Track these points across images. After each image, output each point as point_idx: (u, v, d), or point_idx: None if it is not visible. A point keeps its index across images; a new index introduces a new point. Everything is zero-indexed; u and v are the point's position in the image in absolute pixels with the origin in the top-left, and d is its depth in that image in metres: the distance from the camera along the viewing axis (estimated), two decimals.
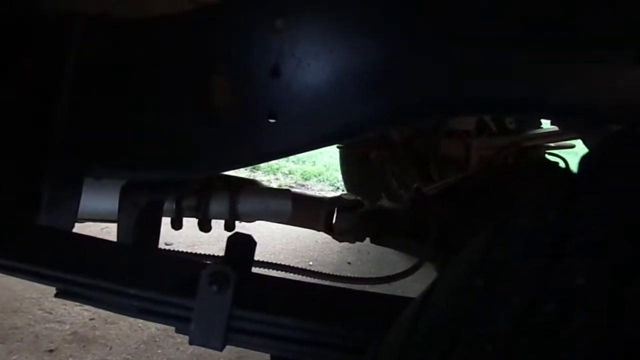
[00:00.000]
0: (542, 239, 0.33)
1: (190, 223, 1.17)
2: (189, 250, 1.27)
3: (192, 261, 0.75)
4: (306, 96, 0.83)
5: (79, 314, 1.95)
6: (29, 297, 2.00)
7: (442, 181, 1.64)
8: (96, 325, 1.90)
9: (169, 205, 1.10)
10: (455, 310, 0.36)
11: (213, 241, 2.43)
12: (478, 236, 0.40)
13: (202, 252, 1.29)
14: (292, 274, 1.25)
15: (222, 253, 1.02)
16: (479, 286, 0.35)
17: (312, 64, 0.80)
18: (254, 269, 0.77)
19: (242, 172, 4.36)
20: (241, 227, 1.05)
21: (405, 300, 0.61)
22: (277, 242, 2.81)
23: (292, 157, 5.26)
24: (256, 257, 0.87)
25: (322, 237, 2.88)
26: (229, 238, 0.65)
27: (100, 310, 1.93)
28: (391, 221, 1.29)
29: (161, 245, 1.18)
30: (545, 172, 1.20)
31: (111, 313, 1.92)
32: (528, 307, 0.31)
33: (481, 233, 0.39)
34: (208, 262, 0.96)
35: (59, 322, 1.90)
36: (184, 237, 2.41)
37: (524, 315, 0.31)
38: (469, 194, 1.23)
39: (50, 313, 1.94)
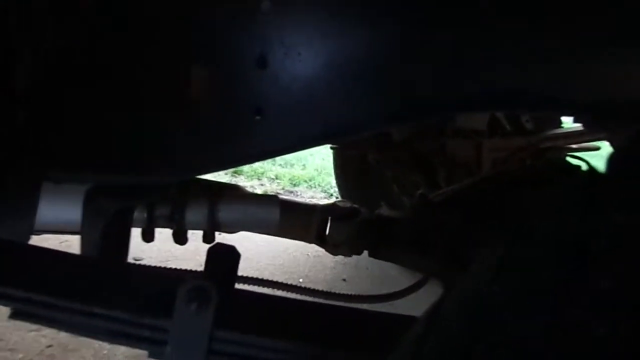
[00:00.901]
0: (564, 243, 0.34)
1: (163, 235, 1.17)
2: (162, 266, 1.26)
3: (167, 276, 0.76)
4: (296, 89, 0.83)
5: (35, 340, 1.93)
6: None
7: (449, 187, 1.65)
8: (54, 353, 1.89)
9: (139, 214, 1.10)
10: (468, 322, 0.37)
11: (189, 256, 2.42)
12: (492, 243, 0.40)
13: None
14: (280, 292, 1.25)
15: (200, 268, 1.02)
16: (494, 294, 0.35)
17: (303, 53, 0.81)
18: (238, 286, 0.77)
19: (222, 177, 4.37)
20: (221, 239, 1.05)
21: (408, 319, 0.61)
22: (262, 256, 2.81)
23: (279, 160, 5.27)
24: (239, 273, 0.87)
25: (314, 250, 2.90)
26: (210, 249, 0.65)
27: (60, 336, 1.93)
28: (392, 232, 1.29)
29: (129, 261, 1.18)
30: (566, 177, 1.21)
31: (72, 339, 1.90)
32: (550, 315, 0.31)
33: (496, 239, 0.40)
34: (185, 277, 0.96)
35: (10, 350, 1.88)
36: (155, 251, 2.41)
37: (545, 323, 0.31)
38: (480, 201, 1.24)
39: (1, 340, 1.92)
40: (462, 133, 1.94)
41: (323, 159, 5.46)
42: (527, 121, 2.01)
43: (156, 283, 0.67)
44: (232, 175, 4.58)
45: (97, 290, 0.63)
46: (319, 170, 5.14)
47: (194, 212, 1.14)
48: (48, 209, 1.01)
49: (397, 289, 1.32)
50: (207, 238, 1.17)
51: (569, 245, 0.34)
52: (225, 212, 1.15)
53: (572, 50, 0.81)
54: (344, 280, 2.70)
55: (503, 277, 0.37)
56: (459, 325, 0.38)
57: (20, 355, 1.86)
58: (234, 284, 0.71)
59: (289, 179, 4.76)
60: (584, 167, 1.50)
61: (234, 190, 1.26)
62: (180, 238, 1.16)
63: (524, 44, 0.81)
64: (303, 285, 1.30)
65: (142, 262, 1.38)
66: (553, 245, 0.35)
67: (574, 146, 2.11)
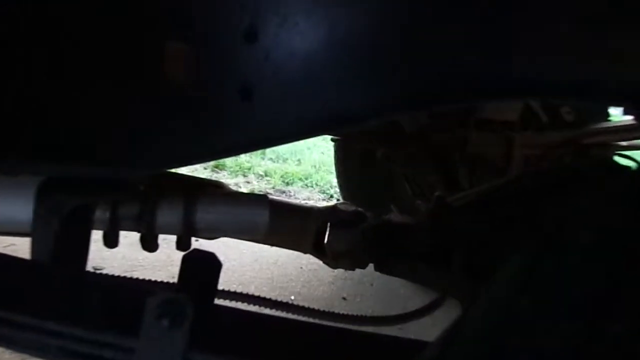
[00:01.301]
0: (604, 251, 0.35)
1: (128, 239, 1.17)
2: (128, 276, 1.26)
3: (134, 288, 0.76)
4: (292, 68, 0.83)
5: None
6: None
7: (472, 188, 1.66)
8: None
9: (100, 213, 1.10)
10: (493, 338, 0.37)
11: (160, 265, 2.43)
12: (523, 251, 0.41)
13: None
14: (268, 310, 1.25)
15: (173, 280, 1.02)
16: (524, 307, 0.36)
17: (301, 24, 0.81)
18: (217, 301, 0.78)
19: (201, 172, 4.37)
20: (199, 246, 1.05)
21: (420, 345, 0.62)
22: (247, 268, 2.82)
23: (269, 153, 5.28)
24: (219, 287, 0.88)
25: (309, 262, 2.90)
26: (185, 257, 0.66)
27: (5, 357, 1.93)
28: (403, 241, 1.30)
29: (88, 270, 1.18)
30: (612, 178, 1.21)
31: (21, 358, 1.89)
32: (589, 330, 0.32)
33: (525, 248, 0.41)
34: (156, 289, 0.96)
35: None
36: (119, 259, 2.41)
37: (583, 339, 0.32)
38: (509, 207, 1.24)
39: None
40: (488, 125, 1.94)
41: (322, 153, 5.47)
42: (568, 112, 2.01)
43: (121, 295, 0.68)
44: (212, 170, 4.59)
45: (51, 302, 0.63)
46: (317, 166, 5.15)
47: (167, 213, 1.14)
48: None
49: (407, 310, 1.32)
50: (182, 244, 1.17)
51: (611, 254, 0.34)
52: (203, 214, 1.15)
53: (611, 27, 0.82)
54: (344, 298, 2.71)
55: (533, 289, 0.37)
56: (484, 342, 0.38)
57: None
58: (213, 299, 0.71)
59: (281, 176, 4.76)
60: (634, 167, 1.50)
61: (215, 188, 1.27)
62: (149, 244, 1.16)
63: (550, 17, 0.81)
64: (295, 303, 1.30)
65: (104, 272, 1.38)
66: (591, 255, 0.36)
67: (623, 143, 2.11)
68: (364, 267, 1.34)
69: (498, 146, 1.94)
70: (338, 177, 2.97)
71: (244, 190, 4.25)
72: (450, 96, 0.88)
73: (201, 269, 0.68)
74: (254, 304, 1.27)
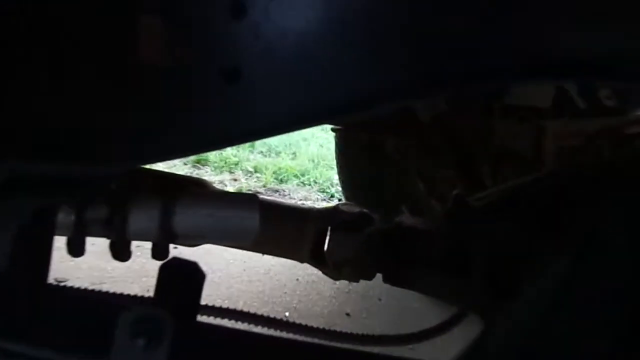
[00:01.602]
0: None
1: (96, 246, 1.17)
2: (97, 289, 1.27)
3: (104, 302, 0.77)
4: (285, 47, 0.84)
5: None
6: None
7: (496, 186, 1.66)
8: None
9: (64, 217, 1.10)
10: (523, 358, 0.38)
11: (132, 277, 2.42)
12: (553, 257, 0.42)
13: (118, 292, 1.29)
14: (259, 329, 1.26)
15: (148, 294, 1.03)
16: (558, 324, 0.37)
17: None
18: (200, 318, 0.79)
19: (181, 168, 4.36)
20: (178, 254, 1.05)
21: None
22: (234, 279, 2.82)
23: (259, 145, 5.27)
24: (202, 302, 0.88)
25: (307, 272, 2.90)
26: (163, 267, 0.67)
27: None
28: (416, 248, 1.30)
29: (51, 283, 1.18)
30: None
31: None
32: (633, 324, 0.33)
33: (557, 255, 0.42)
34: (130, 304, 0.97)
35: None
36: (85, 270, 2.41)
37: (627, 332, 0.33)
38: (538, 207, 1.24)
39: None
40: (516, 112, 1.94)
41: (321, 146, 5.47)
42: (608, 97, 2.01)
43: (89, 311, 0.68)
44: (193, 166, 4.59)
45: (9, 319, 0.64)
46: (315, 161, 5.15)
47: (141, 217, 1.13)
48: None
49: (421, 328, 1.33)
50: (158, 253, 1.17)
51: None
52: (183, 217, 1.15)
53: None
54: (348, 314, 2.72)
55: (567, 303, 0.38)
56: None
57: None
58: (196, 315, 0.72)
59: (274, 173, 4.76)
60: None
61: (197, 187, 1.27)
62: (120, 252, 1.16)
63: None
64: (290, 321, 1.30)
65: (68, 285, 1.39)
66: (629, 260, 0.37)
67: None
68: (370, 278, 1.34)
69: (527, 136, 1.94)
70: (339, 173, 2.97)
71: (231, 189, 4.25)
72: (459, 80, 0.88)
73: (182, 281, 0.68)
74: (243, 321, 1.27)
